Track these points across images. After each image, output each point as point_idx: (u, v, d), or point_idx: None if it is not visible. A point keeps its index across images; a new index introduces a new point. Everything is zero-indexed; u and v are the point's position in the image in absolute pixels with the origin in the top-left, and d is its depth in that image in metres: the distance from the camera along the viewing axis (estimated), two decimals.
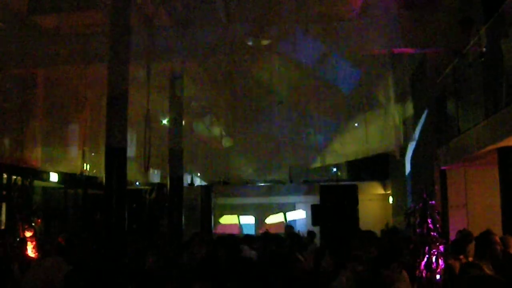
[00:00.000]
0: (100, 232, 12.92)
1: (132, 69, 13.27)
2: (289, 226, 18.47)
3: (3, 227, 17.15)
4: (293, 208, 28.21)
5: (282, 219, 28.03)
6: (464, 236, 9.97)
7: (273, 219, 28.12)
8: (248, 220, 28.23)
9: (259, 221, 27.74)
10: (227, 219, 27.92)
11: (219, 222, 27.68)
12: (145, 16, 14.82)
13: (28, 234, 12.48)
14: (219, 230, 26.29)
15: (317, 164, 23.61)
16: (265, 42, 14.80)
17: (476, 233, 9.63)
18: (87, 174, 19.88)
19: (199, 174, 23.43)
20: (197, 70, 17.58)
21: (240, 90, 18.36)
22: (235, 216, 27.96)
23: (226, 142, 21.03)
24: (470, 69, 13.04)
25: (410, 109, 17.78)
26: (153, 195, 22.75)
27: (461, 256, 8.87)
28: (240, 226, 27.81)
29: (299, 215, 27.98)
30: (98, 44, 14.60)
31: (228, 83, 17.98)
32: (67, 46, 15.18)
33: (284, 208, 28.34)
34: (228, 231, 24.35)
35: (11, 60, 14.79)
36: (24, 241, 11.87)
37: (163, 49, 15.15)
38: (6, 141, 16.86)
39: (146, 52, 14.42)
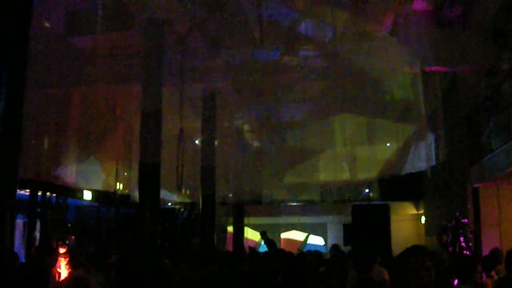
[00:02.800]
0: (132, 250, 13.08)
1: (165, 89, 13.48)
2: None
3: (37, 244, 17.36)
4: (324, 228, 28.10)
5: (302, 238, 27.63)
6: (494, 254, 9.95)
7: (291, 235, 27.69)
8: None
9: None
10: (250, 235, 27.63)
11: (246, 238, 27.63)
12: (178, 36, 15.03)
13: (61, 250, 12.62)
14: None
15: (349, 183, 23.62)
16: (296, 60, 14.90)
17: None
18: (120, 192, 20.10)
19: (230, 195, 23.48)
20: (230, 89, 17.72)
21: (273, 109, 18.46)
22: (257, 233, 27.79)
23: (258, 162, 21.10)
24: (503, 86, 13.01)
25: (441, 128, 17.71)
26: (185, 214, 22.87)
27: (493, 273, 8.85)
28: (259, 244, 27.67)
29: (317, 241, 27.70)
30: (132, 64, 14.84)
31: (260, 102, 18.10)
32: (102, 66, 15.44)
33: (315, 229, 28.21)
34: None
35: (48, 80, 15.06)
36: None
37: (196, 69, 15.33)
38: (42, 159, 17.11)
39: (179, 71, 14.61)
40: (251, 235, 27.78)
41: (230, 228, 26.98)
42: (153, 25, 13.23)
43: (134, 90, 15.66)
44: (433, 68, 15.48)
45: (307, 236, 27.88)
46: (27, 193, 17.43)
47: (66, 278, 8.86)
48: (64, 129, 17.46)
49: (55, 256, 11.69)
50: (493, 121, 14.01)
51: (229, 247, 25.91)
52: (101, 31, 14.70)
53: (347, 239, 22.51)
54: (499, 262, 9.51)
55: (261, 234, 22.49)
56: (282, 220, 27.65)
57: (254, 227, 27.25)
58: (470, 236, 14.95)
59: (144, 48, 13.38)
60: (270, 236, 25.08)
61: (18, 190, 8.68)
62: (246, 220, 26.11)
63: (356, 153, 19.31)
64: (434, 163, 18.07)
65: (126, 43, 15.28)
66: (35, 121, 15.57)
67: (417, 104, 17.04)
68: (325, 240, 27.65)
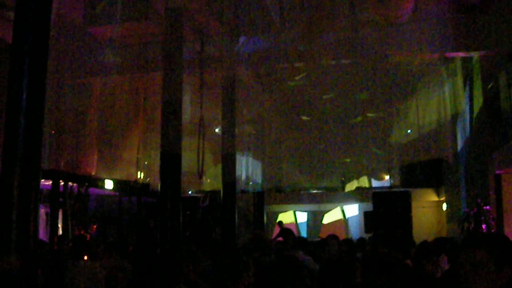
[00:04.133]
0: (154, 239, 13.13)
1: (185, 77, 13.47)
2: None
3: (59, 233, 17.48)
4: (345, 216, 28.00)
5: (340, 216, 27.19)
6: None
7: (331, 216, 27.35)
8: (304, 217, 27.79)
9: (311, 226, 27.31)
10: (284, 218, 27.52)
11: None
12: (197, 25, 15.01)
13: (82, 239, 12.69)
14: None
15: (369, 171, 23.56)
16: (317, 47, 14.81)
17: None
18: (141, 181, 20.18)
19: (251, 182, 23.49)
20: (250, 77, 17.70)
21: (292, 96, 18.42)
22: (291, 213, 27.55)
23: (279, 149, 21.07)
24: None
25: (464, 113, 17.59)
26: (206, 202, 22.93)
27: None
28: (297, 225, 27.52)
29: (353, 211, 27.30)
30: (152, 53, 14.86)
31: (280, 89, 18.06)
32: (121, 55, 15.48)
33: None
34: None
35: (68, 70, 15.12)
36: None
37: (216, 57, 15.32)
38: (63, 149, 17.20)
39: (198, 60, 14.60)
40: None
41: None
42: (172, 14, 13.21)
43: (155, 79, 15.70)
44: (455, 53, 15.36)
45: (343, 211, 27.39)
46: (49, 184, 17.52)
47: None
48: (85, 119, 17.54)
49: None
50: None
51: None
52: (120, 21, 14.72)
53: (368, 227, 22.44)
54: None
55: (278, 224, 22.41)
56: (302, 208, 27.58)
57: (272, 214, 27.18)
58: (492, 223, 14.85)
59: (164, 37, 13.36)
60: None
61: (40, 180, 8.73)
62: (270, 208, 26.16)
63: (377, 140, 19.24)
64: (455, 149, 17.97)
65: (145, 32, 15.29)
66: (56, 111, 15.65)
67: (439, 90, 16.95)
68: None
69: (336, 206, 26.92)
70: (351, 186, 27.49)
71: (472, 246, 3.27)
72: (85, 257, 9.07)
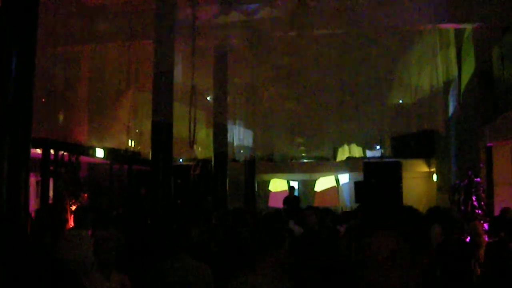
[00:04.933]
0: (146, 207, 13.14)
1: (177, 45, 13.38)
2: None
3: (50, 202, 17.47)
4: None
5: (334, 183, 27.22)
6: (504, 214, 9.94)
7: (324, 183, 27.35)
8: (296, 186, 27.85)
9: (302, 195, 27.34)
10: (277, 186, 27.53)
11: (269, 191, 27.57)
12: None
13: (74, 208, 12.71)
14: (272, 203, 26.26)
15: (360, 141, 23.59)
16: (311, 16, 14.71)
17: None
18: (132, 149, 20.14)
19: (242, 151, 23.50)
20: (242, 46, 17.59)
21: (285, 66, 18.34)
22: (285, 182, 27.59)
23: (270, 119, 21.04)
24: None
25: (456, 85, 17.59)
26: (198, 171, 22.93)
27: (502, 234, 8.83)
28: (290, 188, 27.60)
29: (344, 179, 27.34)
30: (143, 21, 14.73)
31: (273, 58, 17.97)
32: (113, 23, 15.33)
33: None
34: (279, 204, 24.30)
35: (58, 38, 14.98)
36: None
37: (208, 25, 15.20)
38: (53, 118, 17.11)
39: (191, 28, 14.48)
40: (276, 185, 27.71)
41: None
42: None
43: (146, 47, 15.59)
44: (448, 25, 15.30)
45: (337, 179, 27.43)
46: (40, 152, 17.47)
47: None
48: (76, 87, 17.43)
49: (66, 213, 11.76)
50: (507, 79, 13.87)
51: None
52: None
53: (358, 196, 22.54)
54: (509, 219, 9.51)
55: (290, 189, 22.36)
56: (293, 177, 27.65)
57: (263, 183, 27.25)
58: (483, 195, 14.93)
59: (155, 5, 13.25)
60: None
61: (31, 149, 8.71)
62: (261, 177, 26.21)
63: (368, 110, 19.22)
64: (447, 121, 18.00)
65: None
66: (46, 80, 15.52)
67: (432, 61, 16.92)
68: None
69: (327, 175, 27.02)
70: (342, 156, 27.56)
71: (390, 234, 3.24)
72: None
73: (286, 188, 27.19)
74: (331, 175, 26.78)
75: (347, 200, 25.73)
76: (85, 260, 7.28)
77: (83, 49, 17.24)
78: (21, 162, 8.01)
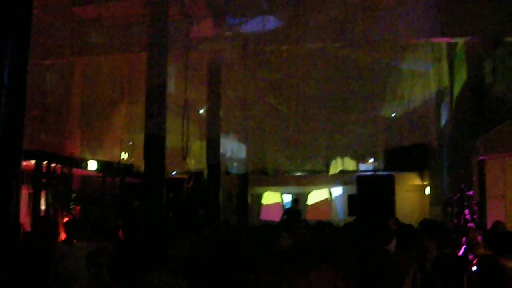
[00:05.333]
0: (138, 220, 13.12)
1: (170, 59, 13.40)
2: None
3: (42, 214, 17.39)
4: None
5: (327, 196, 27.16)
6: (497, 227, 9.95)
7: (317, 196, 27.31)
8: (289, 199, 27.77)
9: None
10: (270, 198, 27.45)
11: (262, 204, 27.52)
12: (183, 5, 14.91)
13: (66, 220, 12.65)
14: (264, 215, 26.19)
15: (353, 154, 23.61)
16: (304, 29, 14.76)
17: None
18: (125, 162, 20.10)
19: (235, 164, 23.50)
20: (235, 60, 17.63)
21: (278, 79, 18.39)
22: (278, 195, 27.55)
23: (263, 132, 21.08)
24: (509, 57, 12.91)
25: (448, 99, 17.65)
26: (191, 183, 22.89)
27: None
28: (283, 206, 27.53)
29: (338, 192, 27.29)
30: (137, 34, 14.76)
31: (266, 72, 18.02)
32: (106, 36, 15.36)
33: None
34: (271, 217, 24.27)
35: (52, 49, 15.01)
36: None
37: (202, 38, 15.24)
38: (46, 130, 17.09)
39: (184, 42, 14.52)
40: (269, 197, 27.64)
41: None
42: None
43: (140, 59, 15.61)
44: (441, 39, 15.37)
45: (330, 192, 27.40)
46: (32, 164, 17.42)
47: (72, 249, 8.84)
48: (69, 99, 17.43)
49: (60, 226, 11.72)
50: (499, 93, 13.93)
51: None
52: (106, 0, 14.61)
53: (351, 210, 22.53)
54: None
55: (294, 201, 22.34)
56: (286, 190, 27.62)
57: (256, 196, 27.21)
58: (475, 208, 14.95)
59: (149, 18, 13.28)
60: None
61: (23, 161, 8.68)
62: (255, 190, 26.17)
63: (361, 123, 19.27)
64: (440, 134, 18.05)
65: (130, 12, 15.18)
66: (39, 92, 15.53)
67: (424, 74, 16.98)
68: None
69: (320, 189, 27.00)
70: (335, 169, 27.56)
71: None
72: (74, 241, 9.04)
73: (279, 200, 27.21)
74: (324, 188, 26.75)
75: (340, 213, 25.69)
76: (78, 272, 7.25)
77: (77, 61, 17.26)
78: (12, 174, 7.98)
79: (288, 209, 21.17)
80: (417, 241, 8.59)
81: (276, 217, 24.83)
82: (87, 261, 6.34)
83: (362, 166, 26.70)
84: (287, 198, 27.54)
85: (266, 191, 27.60)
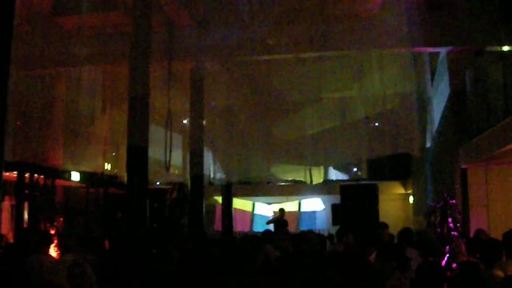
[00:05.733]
0: (121, 231, 13.06)
1: (153, 70, 13.38)
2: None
3: (25, 226, 17.28)
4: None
5: (296, 209, 27.20)
6: (479, 236, 10.00)
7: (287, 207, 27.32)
8: (265, 210, 27.68)
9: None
10: (240, 204, 27.28)
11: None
12: (166, 16, 14.92)
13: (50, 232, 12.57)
14: (238, 227, 26.13)
15: (337, 163, 23.67)
16: (286, 40, 14.81)
17: (497, 231, 9.57)
18: (108, 173, 20.03)
19: (219, 174, 23.49)
20: (218, 70, 17.66)
21: (261, 89, 18.43)
22: (250, 203, 27.49)
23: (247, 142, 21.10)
24: (491, 67, 13.01)
25: (430, 108, 17.74)
26: (174, 194, 22.84)
27: (478, 255, 8.86)
28: (252, 216, 27.53)
29: (316, 205, 27.32)
30: (119, 44, 14.73)
31: (249, 82, 18.06)
32: (89, 46, 15.32)
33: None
34: (239, 227, 24.33)
35: (34, 60, 14.94)
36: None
37: (184, 49, 15.24)
38: (29, 141, 17.01)
39: (167, 52, 14.51)
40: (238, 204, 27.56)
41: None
42: (140, 4, 13.10)
43: (123, 70, 15.58)
44: (423, 48, 15.46)
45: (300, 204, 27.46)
46: (15, 175, 17.32)
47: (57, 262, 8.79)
48: (51, 111, 17.35)
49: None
50: (481, 102, 14.02)
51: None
52: (87, 11, 14.58)
53: (335, 219, 22.55)
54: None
55: (280, 211, 22.34)
56: (270, 200, 27.61)
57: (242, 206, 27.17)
58: (458, 217, 15.01)
59: (132, 28, 13.25)
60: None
61: (5, 172, 8.62)
62: (234, 201, 26.10)
63: (344, 133, 19.33)
64: (423, 144, 18.13)
65: (113, 22, 15.16)
66: (22, 103, 15.46)
67: (406, 85, 17.08)
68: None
69: (304, 198, 27.03)
70: (319, 179, 27.58)
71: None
72: (52, 252, 8.99)
73: (250, 209, 27.22)
74: (311, 198, 26.82)
75: (324, 223, 25.69)
76: (62, 285, 7.20)
77: (59, 72, 17.20)
78: None
79: (276, 220, 21.15)
80: (398, 250, 8.60)
81: (245, 226, 24.97)
82: (67, 274, 6.29)
83: (339, 175, 26.83)
84: (261, 208, 27.55)
85: (249, 201, 27.57)
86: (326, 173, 27.34)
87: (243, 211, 26.62)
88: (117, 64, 15.84)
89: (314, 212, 26.55)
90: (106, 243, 11.35)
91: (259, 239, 10.19)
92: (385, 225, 12.08)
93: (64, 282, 7.31)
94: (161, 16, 14.81)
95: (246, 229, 25.84)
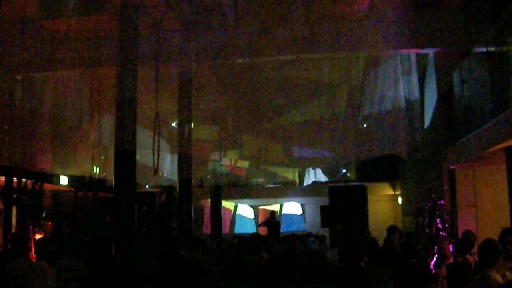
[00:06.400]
0: (110, 235, 13.01)
1: (141, 73, 13.35)
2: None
3: (13, 231, 17.22)
4: (302, 209, 28.08)
5: (277, 209, 27.39)
6: (467, 237, 10.03)
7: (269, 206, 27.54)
8: (246, 212, 27.82)
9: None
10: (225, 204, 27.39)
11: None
12: (153, 19, 14.89)
13: (38, 236, 12.54)
14: None
15: (326, 165, 23.71)
16: (272, 42, 14.81)
17: (486, 232, 9.60)
18: (96, 177, 19.99)
19: (208, 176, 23.49)
20: (206, 73, 17.64)
21: (249, 92, 18.42)
22: (232, 204, 27.65)
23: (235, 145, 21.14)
24: (478, 68, 13.06)
25: (417, 109, 17.79)
26: (163, 197, 22.82)
27: (467, 256, 8.90)
28: (233, 217, 27.69)
29: (293, 209, 27.62)
30: (106, 48, 14.69)
31: (237, 85, 18.05)
32: (75, 50, 15.27)
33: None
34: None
35: (21, 64, 14.89)
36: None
37: (171, 52, 15.21)
38: (16, 145, 16.96)
39: (154, 55, 14.49)
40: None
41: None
42: (127, 8, 13.07)
43: (110, 73, 15.54)
44: (410, 50, 15.50)
45: (281, 206, 27.75)
46: (2, 180, 17.27)
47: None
48: (38, 115, 17.30)
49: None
50: (468, 103, 14.07)
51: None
52: (74, 14, 14.54)
53: (324, 221, 22.59)
54: (472, 244, 9.59)
55: (270, 214, 22.49)
56: (259, 202, 27.67)
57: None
58: (447, 217, 15.06)
59: (118, 32, 13.22)
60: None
61: None
62: (223, 203, 26.15)
63: (332, 134, 19.35)
64: (410, 144, 18.18)
65: (100, 26, 15.11)
66: (8, 107, 15.40)
67: (394, 85, 17.11)
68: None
69: (292, 201, 27.15)
70: (308, 181, 27.64)
71: None
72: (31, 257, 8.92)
73: (231, 208, 27.41)
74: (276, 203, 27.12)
75: (312, 225, 25.76)
76: None
77: (47, 76, 17.15)
78: None
79: (267, 221, 21.24)
80: (393, 255, 8.63)
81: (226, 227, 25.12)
82: (57, 282, 6.26)
83: (335, 177, 26.91)
84: (244, 209, 27.70)
85: (238, 203, 27.65)
86: (314, 175, 27.44)
87: (225, 211, 26.75)
88: (104, 68, 15.78)
89: (293, 215, 26.90)
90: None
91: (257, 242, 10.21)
92: (395, 229, 12.11)
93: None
94: (149, 19, 14.78)
95: (227, 231, 25.99)
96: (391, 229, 12.36)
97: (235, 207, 28.02)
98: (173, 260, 5.77)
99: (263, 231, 21.78)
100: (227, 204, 27.27)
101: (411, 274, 5.75)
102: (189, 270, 5.58)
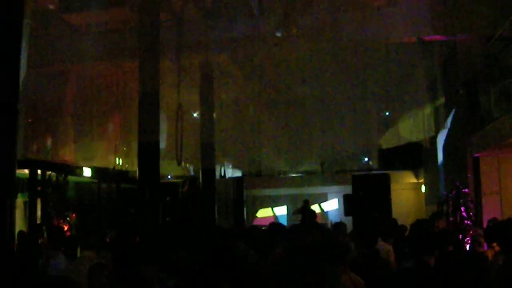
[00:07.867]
0: (134, 226, 13.08)
1: (163, 64, 13.38)
2: None
3: (38, 222, 17.35)
4: (325, 198, 27.98)
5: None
6: (494, 225, 9.94)
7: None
8: (281, 211, 27.94)
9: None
10: (263, 213, 27.66)
11: (256, 216, 27.60)
12: (174, 10, 14.90)
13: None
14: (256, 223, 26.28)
15: (349, 153, 23.61)
16: (295, 31, 14.75)
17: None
18: (120, 168, 20.07)
19: (231, 166, 23.49)
20: (228, 63, 17.61)
21: (271, 81, 18.37)
22: (270, 209, 27.79)
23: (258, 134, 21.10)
24: (502, 54, 12.92)
25: (441, 97, 17.64)
26: (186, 188, 22.85)
27: (494, 244, 8.80)
28: (276, 217, 27.69)
29: (332, 206, 27.60)
30: (129, 40, 14.73)
31: (259, 74, 18.00)
32: (98, 43, 15.32)
33: (316, 199, 28.02)
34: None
35: (43, 57, 14.96)
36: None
37: (193, 43, 15.22)
38: (40, 138, 17.07)
39: (176, 46, 14.50)
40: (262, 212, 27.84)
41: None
42: (148, 0, 13.11)
43: (132, 65, 15.59)
44: (432, 37, 15.37)
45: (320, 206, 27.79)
46: (27, 172, 17.40)
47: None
48: (62, 107, 17.40)
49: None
50: (493, 89, 13.91)
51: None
52: (96, 7, 14.58)
53: (347, 210, 22.48)
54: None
55: (304, 203, 22.46)
56: (282, 191, 27.61)
57: (254, 199, 27.25)
58: (471, 205, 14.93)
59: (140, 24, 13.25)
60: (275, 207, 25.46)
61: (18, 170, 8.64)
62: (250, 193, 26.17)
63: (355, 123, 19.26)
64: (433, 133, 18.05)
65: (121, 18, 15.15)
66: (33, 100, 15.49)
67: (417, 73, 16.98)
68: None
69: (316, 189, 27.05)
70: (330, 169, 27.53)
71: None
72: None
73: (271, 214, 27.46)
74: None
75: (335, 214, 25.70)
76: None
77: (70, 68, 17.23)
78: (6, 185, 7.95)
79: (302, 209, 21.21)
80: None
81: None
82: (89, 277, 6.26)
83: (358, 166, 26.75)
84: (280, 211, 27.76)
85: (261, 193, 27.60)
86: (337, 163, 27.32)
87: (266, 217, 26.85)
88: (126, 60, 15.82)
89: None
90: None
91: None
92: (441, 215, 11.97)
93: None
94: (169, 10, 14.79)
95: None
96: (436, 215, 12.24)
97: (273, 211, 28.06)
98: (221, 250, 5.75)
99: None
100: (265, 212, 27.52)
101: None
102: (237, 260, 5.57)
